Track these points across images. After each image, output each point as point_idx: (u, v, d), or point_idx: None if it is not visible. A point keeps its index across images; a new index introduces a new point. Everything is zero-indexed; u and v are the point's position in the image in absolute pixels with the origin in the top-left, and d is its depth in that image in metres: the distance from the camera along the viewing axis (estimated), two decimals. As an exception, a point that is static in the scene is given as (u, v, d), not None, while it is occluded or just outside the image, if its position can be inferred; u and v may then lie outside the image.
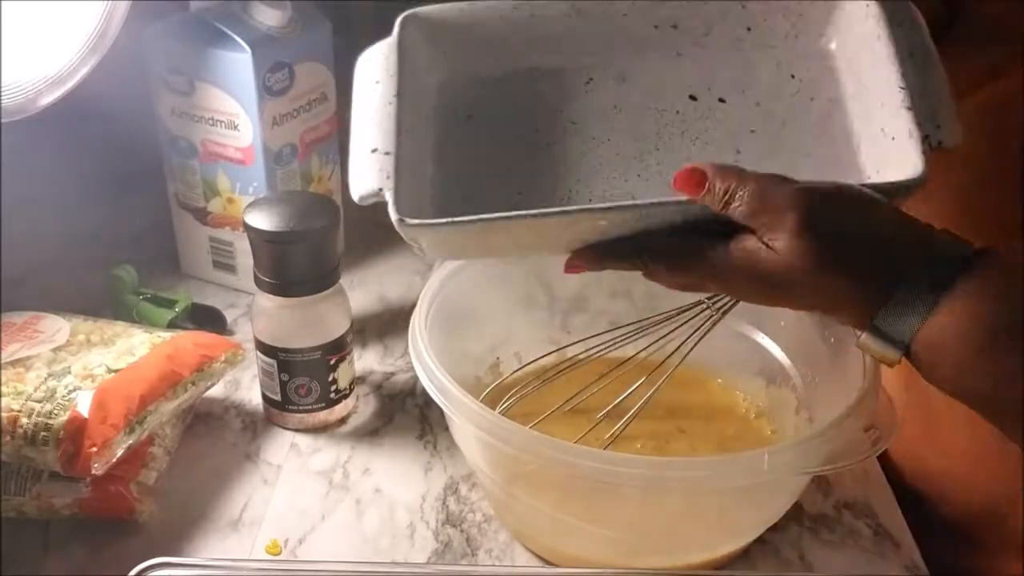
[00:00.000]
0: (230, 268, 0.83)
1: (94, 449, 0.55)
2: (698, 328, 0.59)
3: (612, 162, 0.55)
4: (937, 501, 0.70)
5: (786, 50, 0.57)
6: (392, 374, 0.75)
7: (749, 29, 0.57)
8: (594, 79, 0.58)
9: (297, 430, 0.68)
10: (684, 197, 0.48)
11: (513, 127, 0.57)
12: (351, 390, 0.69)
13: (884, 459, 0.67)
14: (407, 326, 0.59)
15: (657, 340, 0.60)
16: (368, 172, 0.53)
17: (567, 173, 0.55)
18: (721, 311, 0.59)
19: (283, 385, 0.66)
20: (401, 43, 0.58)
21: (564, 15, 0.58)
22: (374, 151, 0.53)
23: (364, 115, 0.55)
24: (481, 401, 0.53)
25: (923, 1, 0.55)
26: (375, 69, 0.57)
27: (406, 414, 0.71)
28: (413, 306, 0.60)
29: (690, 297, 0.60)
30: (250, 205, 0.64)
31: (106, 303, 0.77)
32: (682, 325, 0.60)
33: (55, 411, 0.56)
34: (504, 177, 0.56)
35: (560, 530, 0.57)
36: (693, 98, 0.57)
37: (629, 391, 0.61)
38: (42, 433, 0.55)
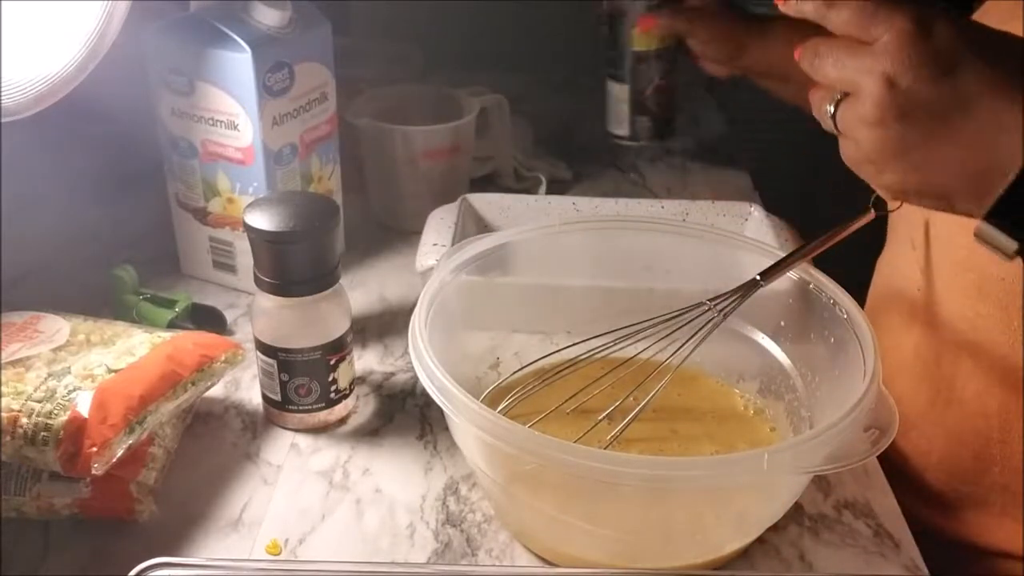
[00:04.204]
0: (230, 268, 0.83)
1: (94, 449, 0.55)
2: (699, 329, 0.59)
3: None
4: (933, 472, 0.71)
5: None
6: (392, 374, 0.75)
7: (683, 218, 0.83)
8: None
9: (297, 430, 0.68)
10: None
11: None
12: (351, 390, 0.69)
13: (884, 459, 0.68)
14: (407, 326, 0.59)
15: (658, 341, 0.60)
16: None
17: None
18: (722, 312, 0.59)
19: (283, 385, 0.66)
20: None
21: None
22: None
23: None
24: (481, 401, 0.53)
25: None
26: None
27: (406, 414, 0.71)
28: (413, 306, 0.60)
29: (690, 300, 0.60)
30: (250, 205, 0.64)
31: (106, 303, 0.77)
32: (683, 326, 0.60)
33: (55, 411, 0.56)
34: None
35: (560, 530, 0.57)
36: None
37: (630, 392, 0.61)
38: (42, 433, 0.55)
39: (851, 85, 0.51)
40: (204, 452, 0.66)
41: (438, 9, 1.33)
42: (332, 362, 0.66)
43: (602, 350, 0.62)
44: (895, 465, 0.73)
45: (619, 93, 1.05)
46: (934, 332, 0.70)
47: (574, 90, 1.30)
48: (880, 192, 0.55)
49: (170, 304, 0.76)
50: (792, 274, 0.63)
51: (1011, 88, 0.48)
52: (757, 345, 0.67)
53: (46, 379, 0.58)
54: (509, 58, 1.31)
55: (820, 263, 0.63)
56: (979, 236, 0.50)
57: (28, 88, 0.64)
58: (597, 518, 0.55)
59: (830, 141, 0.90)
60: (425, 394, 0.55)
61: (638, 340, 0.61)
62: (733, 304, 0.60)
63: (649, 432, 0.63)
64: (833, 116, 0.53)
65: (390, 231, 0.94)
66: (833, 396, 0.59)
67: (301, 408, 0.67)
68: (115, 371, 0.60)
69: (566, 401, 0.62)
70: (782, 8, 0.54)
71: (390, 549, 0.59)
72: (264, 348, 0.65)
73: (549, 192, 1.00)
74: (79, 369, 0.60)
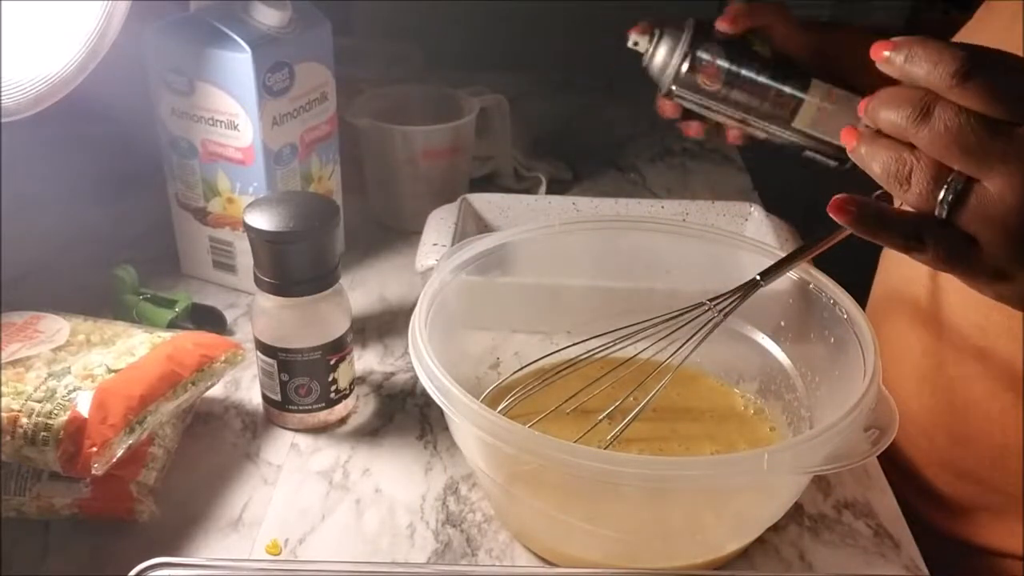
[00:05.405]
0: (230, 268, 0.83)
1: (94, 449, 0.55)
2: (699, 329, 0.59)
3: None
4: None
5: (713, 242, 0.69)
6: (392, 374, 0.75)
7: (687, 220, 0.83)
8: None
9: (297, 430, 0.68)
10: None
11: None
12: (351, 390, 0.69)
13: (887, 459, 0.68)
14: (407, 326, 0.59)
15: (658, 341, 0.60)
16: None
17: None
18: (722, 312, 0.59)
19: (283, 385, 0.66)
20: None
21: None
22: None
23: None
24: (481, 401, 0.53)
25: None
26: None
27: (406, 414, 0.71)
28: (413, 306, 0.60)
29: (690, 300, 0.60)
30: (250, 205, 0.64)
31: (106, 303, 0.77)
32: (683, 326, 0.60)
33: (55, 411, 0.56)
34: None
35: (560, 530, 0.57)
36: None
37: (630, 392, 0.61)
38: (42, 433, 0.55)
39: (983, 169, 0.44)
40: (204, 452, 0.66)
41: (438, 9, 1.33)
42: (332, 362, 0.66)
43: (602, 350, 0.62)
44: (899, 466, 0.73)
45: (817, 95, 0.74)
46: (940, 334, 0.70)
47: (574, 90, 1.31)
48: (999, 300, 0.49)
49: (170, 304, 0.76)
50: (792, 274, 0.63)
51: None
52: (757, 345, 0.67)
53: (46, 379, 0.58)
54: (509, 58, 1.31)
55: (820, 263, 0.63)
56: None
57: (28, 88, 0.64)
58: (597, 518, 0.55)
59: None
60: (425, 394, 0.55)
61: (638, 340, 0.61)
62: (733, 304, 0.60)
63: (649, 432, 0.63)
64: (947, 202, 0.46)
65: (390, 231, 0.94)
66: (833, 396, 0.59)
67: (301, 408, 0.67)
68: (115, 371, 0.60)
69: (566, 401, 0.62)
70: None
71: (390, 549, 0.59)
72: (264, 348, 0.65)
73: (549, 192, 1.00)
74: (79, 369, 0.60)
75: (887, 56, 0.46)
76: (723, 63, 0.74)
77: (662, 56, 0.76)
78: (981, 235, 0.46)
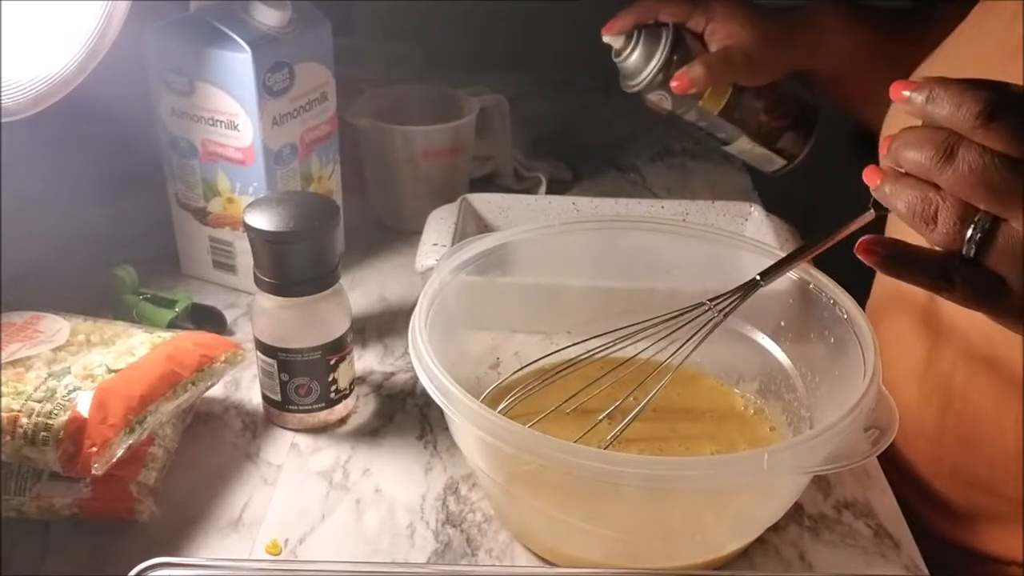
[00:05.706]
0: (230, 268, 0.83)
1: (94, 449, 0.55)
2: (699, 329, 0.59)
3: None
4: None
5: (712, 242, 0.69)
6: (392, 374, 0.75)
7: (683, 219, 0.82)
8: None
9: (297, 430, 0.68)
10: None
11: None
12: (351, 390, 0.69)
13: (890, 464, 0.68)
14: (407, 326, 0.59)
15: (658, 341, 0.60)
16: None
17: None
18: (722, 312, 0.59)
19: (283, 385, 0.66)
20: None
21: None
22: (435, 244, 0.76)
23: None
24: (481, 401, 0.53)
25: None
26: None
27: (406, 414, 0.71)
28: (413, 306, 0.60)
29: (690, 300, 0.60)
30: (250, 205, 0.64)
31: (106, 303, 0.77)
32: (683, 326, 0.60)
33: (55, 411, 0.56)
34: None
35: (560, 530, 0.57)
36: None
37: (630, 392, 0.61)
38: (42, 433, 0.55)
39: (1009, 209, 0.44)
40: (204, 452, 0.66)
41: (438, 9, 1.33)
42: (332, 362, 0.66)
43: (602, 350, 0.62)
44: (899, 467, 0.72)
45: (743, 146, 0.91)
46: (947, 343, 0.69)
47: (574, 90, 1.31)
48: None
49: (170, 304, 0.76)
50: (792, 274, 0.63)
51: None
52: (757, 345, 0.67)
53: (46, 379, 0.58)
54: (509, 58, 1.31)
55: (820, 263, 0.63)
56: None
57: (28, 88, 0.64)
58: (597, 518, 0.55)
59: (828, 142, 0.90)
60: (425, 394, 0.55)
61: (638, 340, 0.61)
62: (733, 304, 0.60)
63: (649, 432, 0.63)
64: (974, 241, 0.45)
65: (390, 231, 0.94)
66: (833, 396, 0.59)
67: (301, 408, 0.67)
68: (115, 371, 0.60)
69: (566, 401, 0.62)
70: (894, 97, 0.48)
71: (390, 549, 0.59)
72: (264, 348, 0.65)
73: (549, 192, 1.00)
74: (79, 369, 0.60)
75: (908, 96, 0.46)
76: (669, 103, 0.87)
77: (636, 62, 0.85)
78: (1009, 274, 0.46)
